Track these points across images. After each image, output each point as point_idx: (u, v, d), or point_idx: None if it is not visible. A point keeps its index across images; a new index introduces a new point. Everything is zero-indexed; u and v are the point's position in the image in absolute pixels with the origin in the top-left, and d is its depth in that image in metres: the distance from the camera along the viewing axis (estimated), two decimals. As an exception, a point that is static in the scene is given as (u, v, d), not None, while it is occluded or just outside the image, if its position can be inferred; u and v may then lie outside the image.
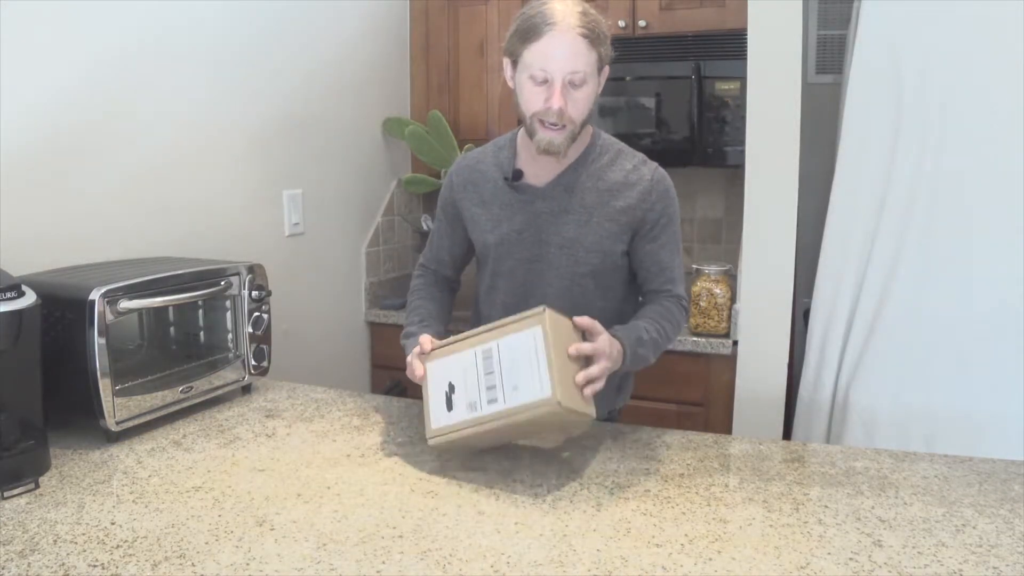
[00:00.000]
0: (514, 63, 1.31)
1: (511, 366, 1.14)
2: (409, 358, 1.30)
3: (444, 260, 1.56)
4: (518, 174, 1.40)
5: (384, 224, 2.65)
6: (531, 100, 1.28)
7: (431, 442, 1.20)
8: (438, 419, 1.20)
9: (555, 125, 1.27)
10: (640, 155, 1.43)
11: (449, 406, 1.19)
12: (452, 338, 1.25)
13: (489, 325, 1.20)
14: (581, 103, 1.28)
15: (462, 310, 1.63)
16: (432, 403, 1.22)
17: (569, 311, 1.20)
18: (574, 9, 1.25)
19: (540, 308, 1.14)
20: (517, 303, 1.41)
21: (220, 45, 1.92)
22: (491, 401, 1.14)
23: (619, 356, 1.23)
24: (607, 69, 1.33)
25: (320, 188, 2.33)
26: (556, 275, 1.40)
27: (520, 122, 1.37)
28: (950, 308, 1.79)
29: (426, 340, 1.27)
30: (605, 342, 1.18)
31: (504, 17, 2.52)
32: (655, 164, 1.41)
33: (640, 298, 1.49)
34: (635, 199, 1.37)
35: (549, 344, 1.10)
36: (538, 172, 1.40)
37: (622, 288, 1.46)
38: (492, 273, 1.47)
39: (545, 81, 1.25)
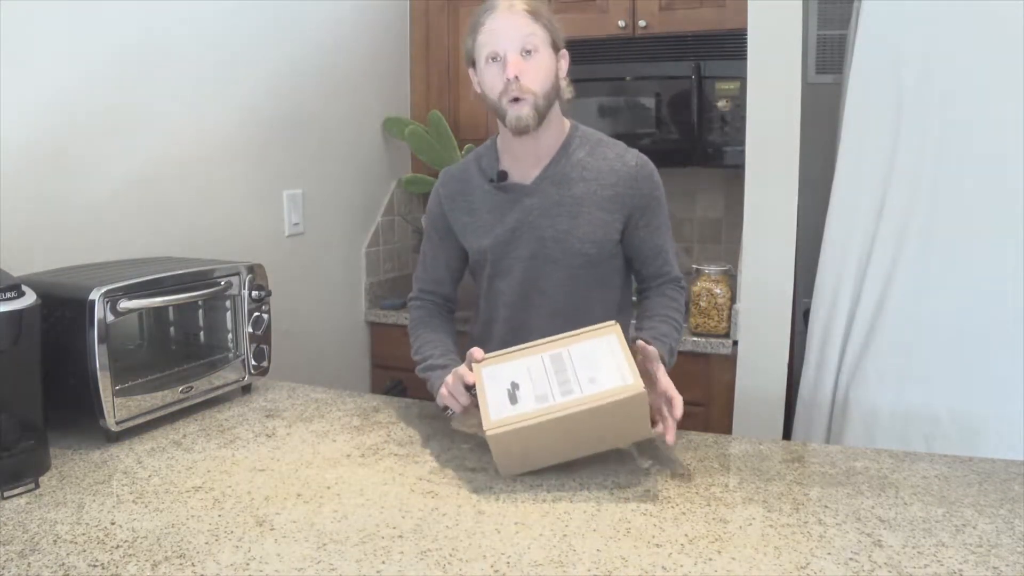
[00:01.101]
0: (474, 65, 1.38)
1: (585, 365, 1.13)
2: (449, 378, 1.27)
3: (442, 278, 1.54)
4: (503, 175, 1.43)
5: (384, 224, 2.65)
6: (492, 82, 1.34)
7: (490, 433, 1.10)
8: (499, 411, 1.12)
9: (518, 99, 1.31)
10: (620, 143, 1.45)
11: (513, 400, 1.13)
12: (506, 350, 1.22)
13: (546, 339, 1.20)
14: (538, 71, 1.32)
15: (463, 310, 1.63)
16: (490, 401, 1.14)
17: (569, 303, 1.27)
18: None
19: (611, 322, 1.18)
20: (518, 300, 1.44)
21: (220, 45, 1.92)
22: (565, 392, 1.11)
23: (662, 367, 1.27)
24: (566, 55, 1.39)
25: (320, 188, 2.33)
26: (554, 268, 1.41)
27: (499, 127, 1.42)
28: (950, 308, 1.79)
29: (477, 350, 1.25)
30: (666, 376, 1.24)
31: (504, 17, 2.51)
32: (636, 151, 1.44)
33: (637, 283, 1.52)
34: (623, 187, 1.40)
35: (625, 350, 1.14)
36: (522, 170, 1.42)
37: (619, 277, 1.48)
38: (490, 275, 1.47)
39: (497, 58, 1.32)
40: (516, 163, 1.43)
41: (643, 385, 1.10)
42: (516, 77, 1.30)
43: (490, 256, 1.45)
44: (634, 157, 1.42)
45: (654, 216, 1.43)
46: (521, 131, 1.34)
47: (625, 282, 1.51)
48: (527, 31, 1.31)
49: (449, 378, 1.28)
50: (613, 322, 1.20)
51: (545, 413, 1.10)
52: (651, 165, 1.43)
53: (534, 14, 1.33)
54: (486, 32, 1.33)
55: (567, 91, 1.41)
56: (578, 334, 1.20)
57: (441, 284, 1.54)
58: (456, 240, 1.50)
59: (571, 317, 1.35)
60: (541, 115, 1.34)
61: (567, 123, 1.44)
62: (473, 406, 1.23)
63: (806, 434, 1.97)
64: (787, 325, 2.01)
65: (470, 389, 1.24)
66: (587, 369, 1.13)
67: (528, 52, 1.31)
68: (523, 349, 1.21)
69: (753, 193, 2.00)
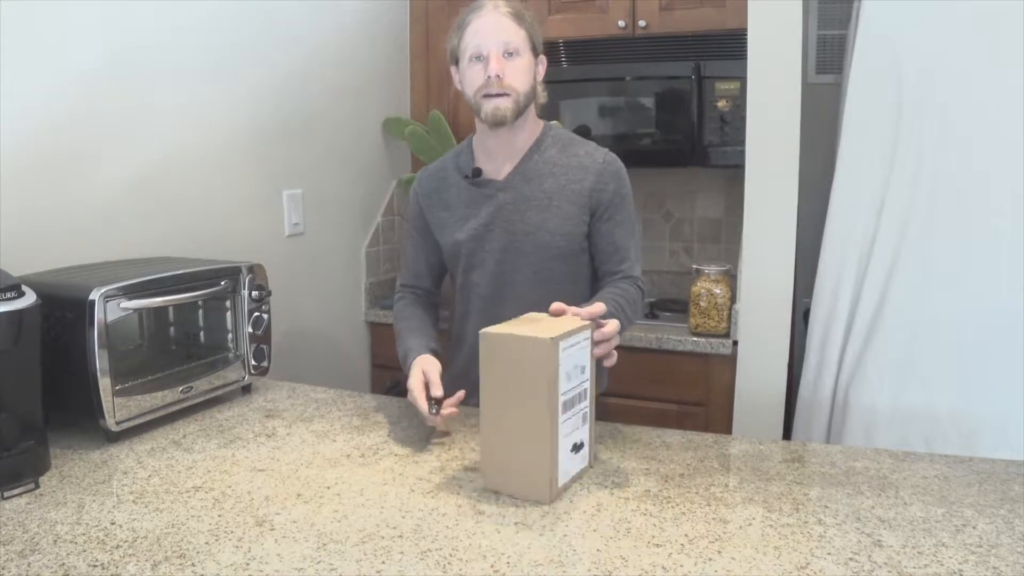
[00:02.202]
0: (456, 63, 1.43)
1: (563, 377, 1.08)
2: (412, 392, 1.30)
3: (422, 272, 1.59)
4: (477, 171, 1.49)
5: (384, 224, 2.65)
6: (473, 78, 1.40)
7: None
8: (584, 456, 1.17)
9: (497, 94, 1.37)
10: (591, 143, 1.52)
11: (582, 446, 1.16)
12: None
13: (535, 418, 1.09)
14: (519, 71, 1.39)
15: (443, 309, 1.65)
16: (578, 465, 1.16)
17: (539, 297, 1.29)
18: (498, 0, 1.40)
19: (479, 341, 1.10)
20: (492, 294, 1.49)
21: (219, 45, 1.92)
22: (581, 397, 1.14)
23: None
24: (544, 60, 1.46)
25: (320, 188, 2.33)
26: (526, 261, 1.46)
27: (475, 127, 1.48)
28: (950, 308, 1.79)
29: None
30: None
31: (504, 17, 2.51)
32: (606, 149, 1.50)
33: (597, 282, 1.54)
34: (590, 181, 1.45)
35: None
36: (496, 167, 1.49)
37: (589, 272, 1.52)
38: (465, 269, 1.52)
39: (481, 57, 1.38)
40: (490, 160, 1.49)
41: (553, 333, 1.07)
42: (498, 75, 1.36)
43: (464, 249, 1.50)
44: (603, 155, 1.47)
45: (617, 212, 1.47)
46: (498, 122, 1.39)
47: (595, 281, 1.54)
48: (509, 35, 1.37)
49: (412, 392, 1.29)
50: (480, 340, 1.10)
51: (592, 405, 1.17)
52: (619, 163, 1.48)
53: (518, 17, 1.39)
54: (471, 32, 1.38)
55: (542, 95, 1.48)
56: (542, 384, 1.06)
57: (422, 279, 1.60)
58: (433, 239, 1.56)
59: (542, 311, 1.36)
60: (519, 111, 1.40)
61: (541, 123, 1.51)
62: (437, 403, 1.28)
63: (806, 434, 1.97)
64: (787, 325, 2.01)
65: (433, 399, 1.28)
66: (572, 379, 1.10)
67: (510, 54, 1.38)
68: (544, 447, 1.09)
69: (753, 193, 1.99)
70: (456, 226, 1.50)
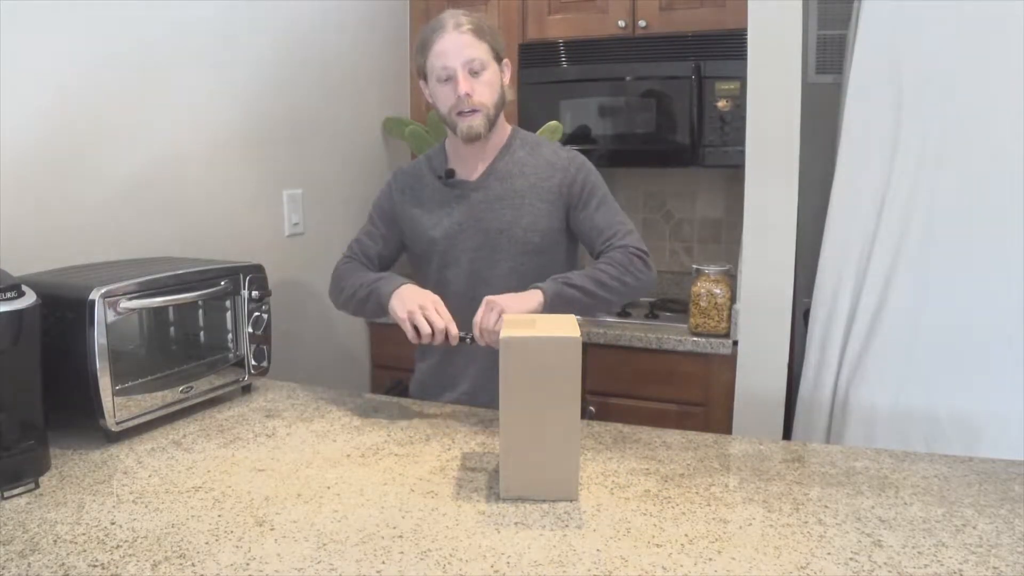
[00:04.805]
0: (425, 78, 1.51)
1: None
2: (407, 306, 1.37)
3: (372, 257, 1.64)
4: (451, 172, 1.55)
5: (384, 224, 2.65)
6: (445, 98, 1.47)
7: None
8: None
9: (469, 112, 1.45)
10: (556, 143, 1.62)
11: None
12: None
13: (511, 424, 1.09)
14: (486, 87, 1.46)
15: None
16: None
17: (517, 288, 1.37)
18: (457, 14, 1.46)
19: None
20: (465, 291, 1.53)
21: (220, 45, 1.92)
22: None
23: (528, 295, 1.36)
24: (509, 64, 1.53)
25: (320, 188, 2.33)
26: (501, 258, 1.52)
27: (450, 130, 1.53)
28: (950, 308, 1.79)
29: None
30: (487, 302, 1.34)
31: (504, 17, 2.52)
32: (570, 147, 1.60)
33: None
34: (559, 178, 1.53)
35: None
36: (468, 168, 1.56)
37: (564, 266, 1.57)
38: (440, 266, 1.57)
39: (449, 78, 1.44)
40: (463, 163, 1.56)
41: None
42: (467, 94, 1.43)
43: (439, 247, 1.55)
44: (567, 152, 1.57)
45: (591, 198, 1.53)
46: (472, 139, 1.47)
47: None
48: (473, 52, 1.43)
49: (434, 308, 1.36)
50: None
51: None
52: (582, 157, 1.57)
53: (478, 32, 1.44)
54: (435, 53, 1.44)
55: (508, 93, 1.54)
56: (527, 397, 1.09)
57: (370, 262, 1.64)
58: (395, 234, 1.62)
59: None
60: (491, 124, 1.48)
61: (508, 127, 1.58)
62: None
63: (806, 434, 1.97)
64: (787, 325, 2.01)
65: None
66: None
67: (475, 71, 1.44)
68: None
69: (753, 193, 1.99)
70: (430, 225, 1.56)
